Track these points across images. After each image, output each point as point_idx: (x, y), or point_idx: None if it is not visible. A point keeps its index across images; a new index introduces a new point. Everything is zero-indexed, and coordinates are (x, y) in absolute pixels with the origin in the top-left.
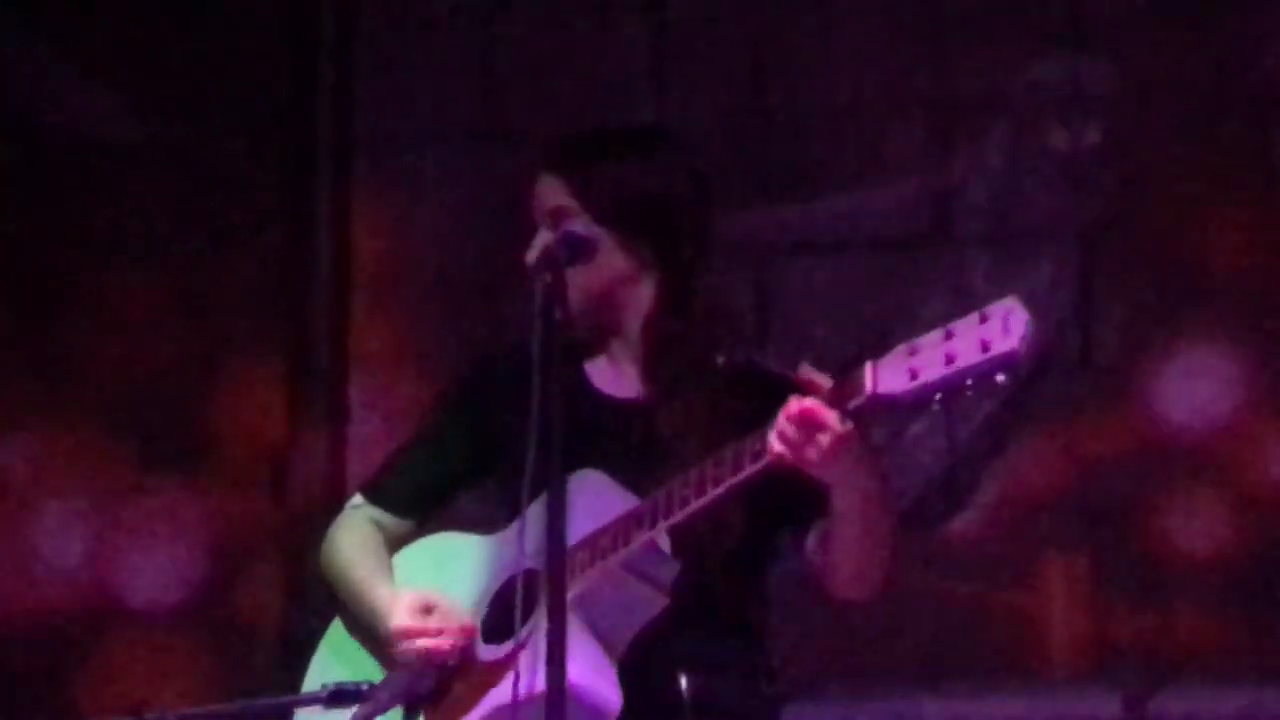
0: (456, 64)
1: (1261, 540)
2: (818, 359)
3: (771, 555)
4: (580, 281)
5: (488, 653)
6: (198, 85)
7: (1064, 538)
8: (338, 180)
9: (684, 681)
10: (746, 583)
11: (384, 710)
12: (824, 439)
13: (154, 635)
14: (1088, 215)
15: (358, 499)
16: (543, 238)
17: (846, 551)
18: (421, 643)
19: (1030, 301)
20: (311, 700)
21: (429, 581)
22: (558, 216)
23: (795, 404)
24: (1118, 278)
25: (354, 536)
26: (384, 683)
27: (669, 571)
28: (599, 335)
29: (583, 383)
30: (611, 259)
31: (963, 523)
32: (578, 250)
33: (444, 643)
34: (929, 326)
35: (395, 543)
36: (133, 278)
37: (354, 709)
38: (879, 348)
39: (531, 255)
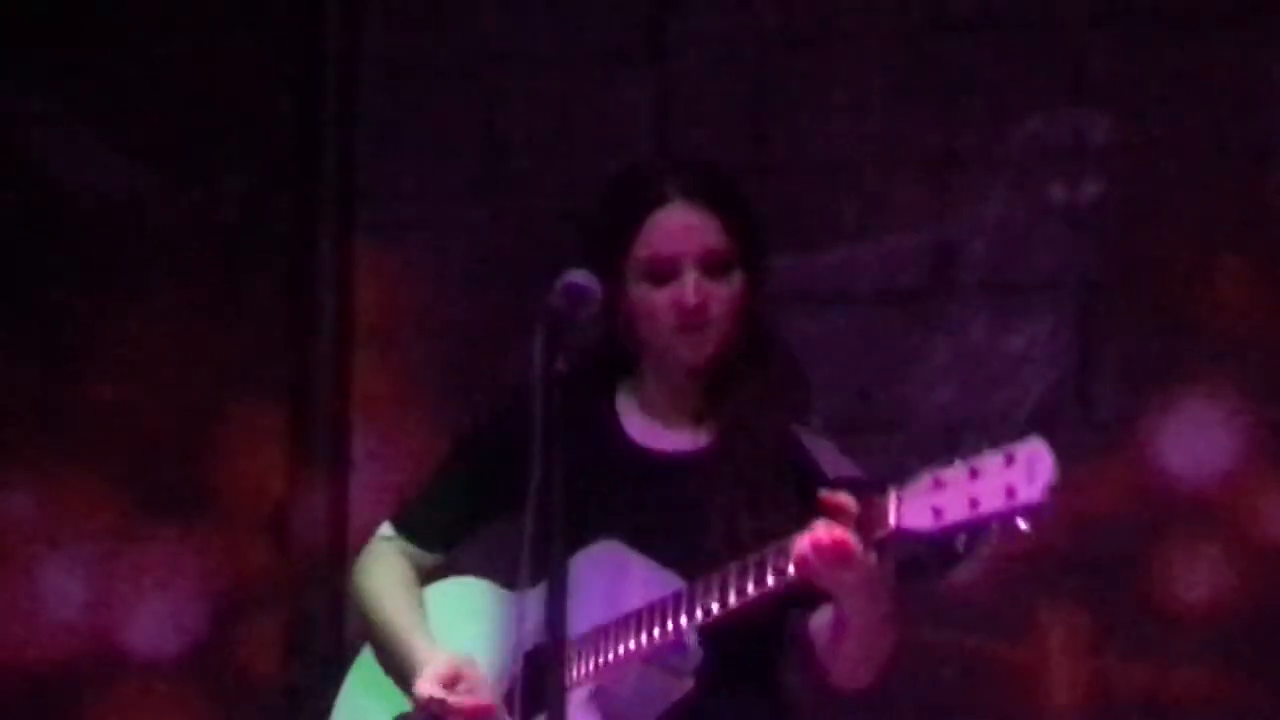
0: (459, 115)
1: (1263, 593)
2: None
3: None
4: (727, 327)
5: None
6: (202, 140)
7: (1063, 591)
8: (340, 231)
9: None
10: (769, 650)
11: None
12: (847, 574)
13: (155, 684)
14: (1088, 266)
15: (387, 529)
16: (692, 278)
17: (845, 653)
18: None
19: (1031, 351)
20: None
21: (460, 634)
22: (715, 260)
23: (825, 534)
24: (1118, 329)
25: (389, 573)
26: None
27: (692, 661)
28: (656, 378)
29: (617, 427)
30: (742, 294)
31: (961, 576)
32: (578, 304)
33: (469, 713)
34: (931, 380)
35: (424, 575)
36: (134, 327)
37: None
38: (901, 477)
39: (691, 295)
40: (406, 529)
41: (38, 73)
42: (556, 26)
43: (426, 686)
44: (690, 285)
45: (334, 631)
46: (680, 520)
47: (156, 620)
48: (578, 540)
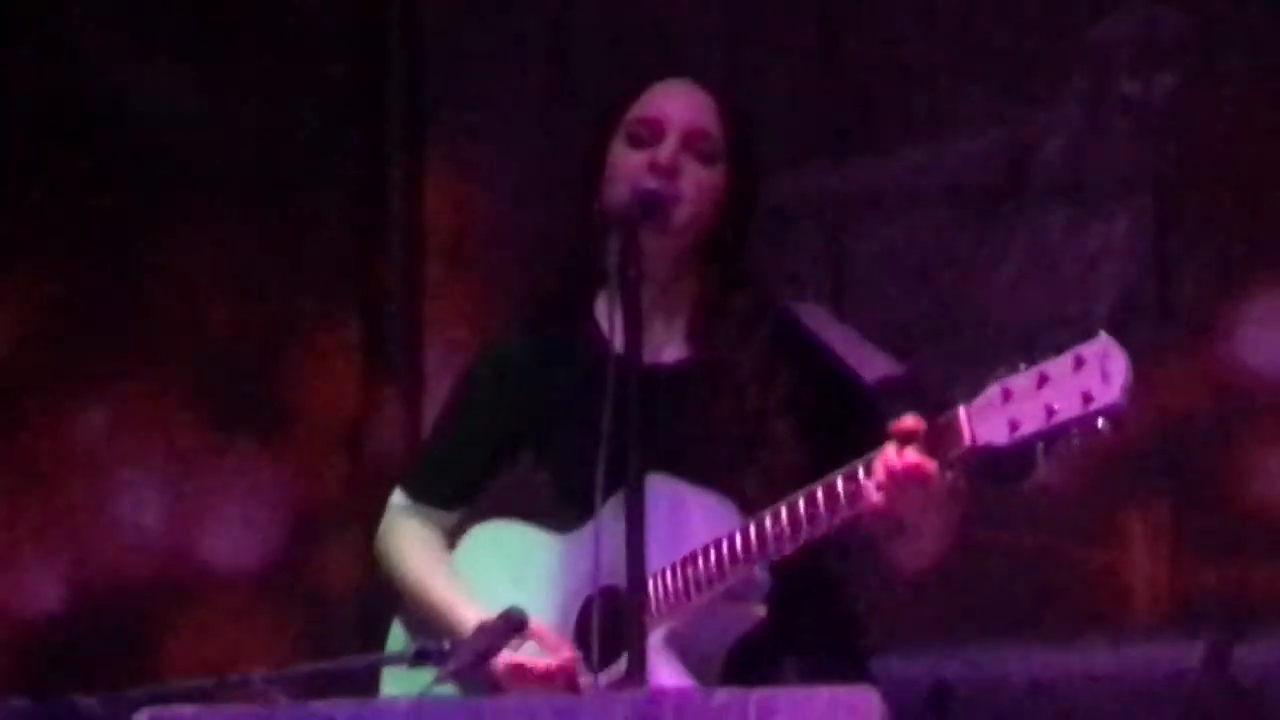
0: (525, 30)
1: None
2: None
3: None
4: (699, 208)
5: (586, 680)
6: (273, 63)
7: (1145, 490)
8: (409, 149)
9: (787, 657)
10: (830, 563)
11: (466, 667)
12: (924, 494)
13: (234, 599)
14: (1164, 165)
15: (400, 498)
16: (675, 148)
17: (909, 553)
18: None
19: (1108, 251)
20: (394, 660)
21: (507, 587)
22: (703, 143)
23: (898, 459)
24: (1195, 227)
25: (414, 545)
26: (465, 642)
27: (763, 588)
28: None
29: (601, 344)
30: (719, 201)
31: (1039, 479)
32: (651, 213)
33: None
34: (1006, 282)
35: (448, 534)
36: (208, 247)
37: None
38: (966, 393)
39: (664, 155)
40: (420, 493)
41: (114, 6)
42: None
43: (502, 655)
44: (667, 149)
45: None
46: (686, 435)
47: (234, 536)
48: (584, 470)
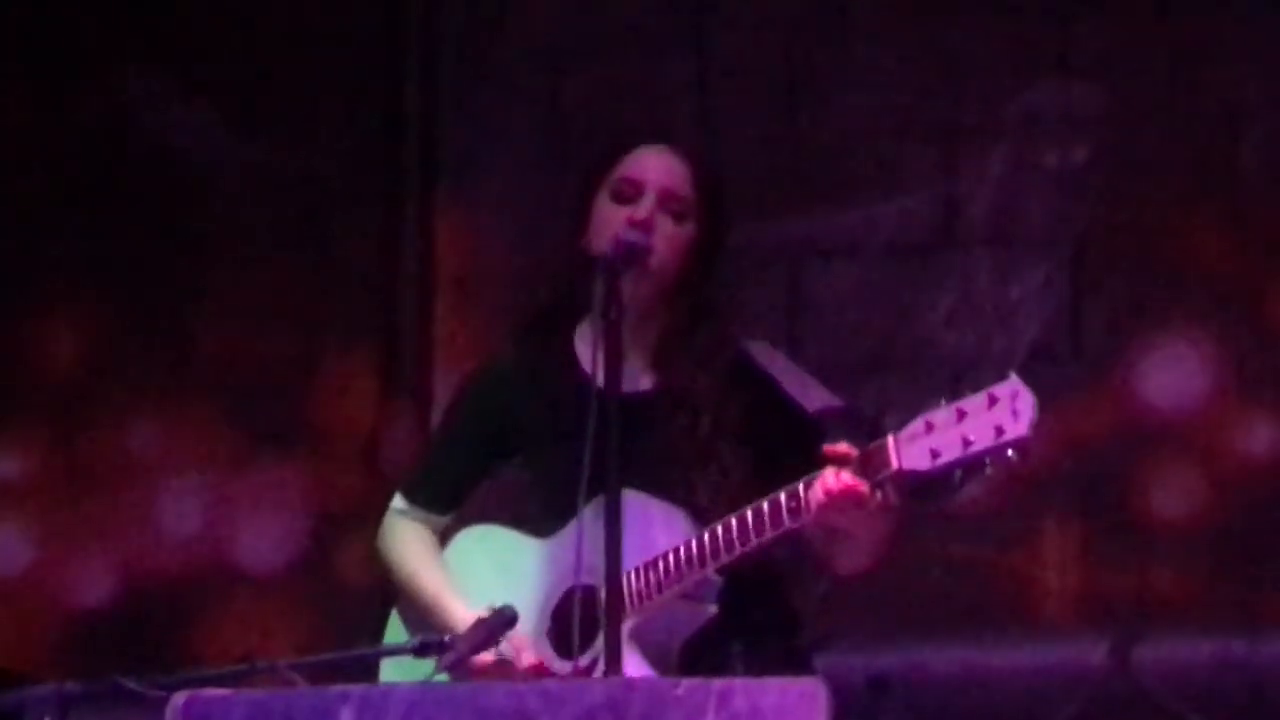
0: (525, 96)
1: (1231, 506)
2: (839, 352)
3: None
4: (665, 261)
5: (560, 666)
6: (304, 117)
7: (1059, 507)
8: (423, 195)
9: (735, 648)
10: (778, 567)
11: (465, 659)
12: (857, 511)
13: (264, 594)
14: (1078, 223)
15: (400, 502)
16: (652, 207)
17: (848, 558)
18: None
19: (1028, 298)
20: (401, 650)
21: (492, 583)
22: (676, 204)
23: (835, 480)
24: (1105, 278)
25: (411, 545)
26: (464, 634)
27: (714, 589)
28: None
29: (576, 371)
30: (687, 259)
31: (963, 498)
32: (630, 261)
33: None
34: (938, 324)
35: (440, 535)
36: (245, 281)
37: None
38: (897, 422)
39: (644, 213)
40: (418, 498)
41: (155, 57)
42: (611, 15)
43: (483, 655)
44: (645, 205)
45: None
46: (651, 454)
47: (264, 539)
48: (565, 486)
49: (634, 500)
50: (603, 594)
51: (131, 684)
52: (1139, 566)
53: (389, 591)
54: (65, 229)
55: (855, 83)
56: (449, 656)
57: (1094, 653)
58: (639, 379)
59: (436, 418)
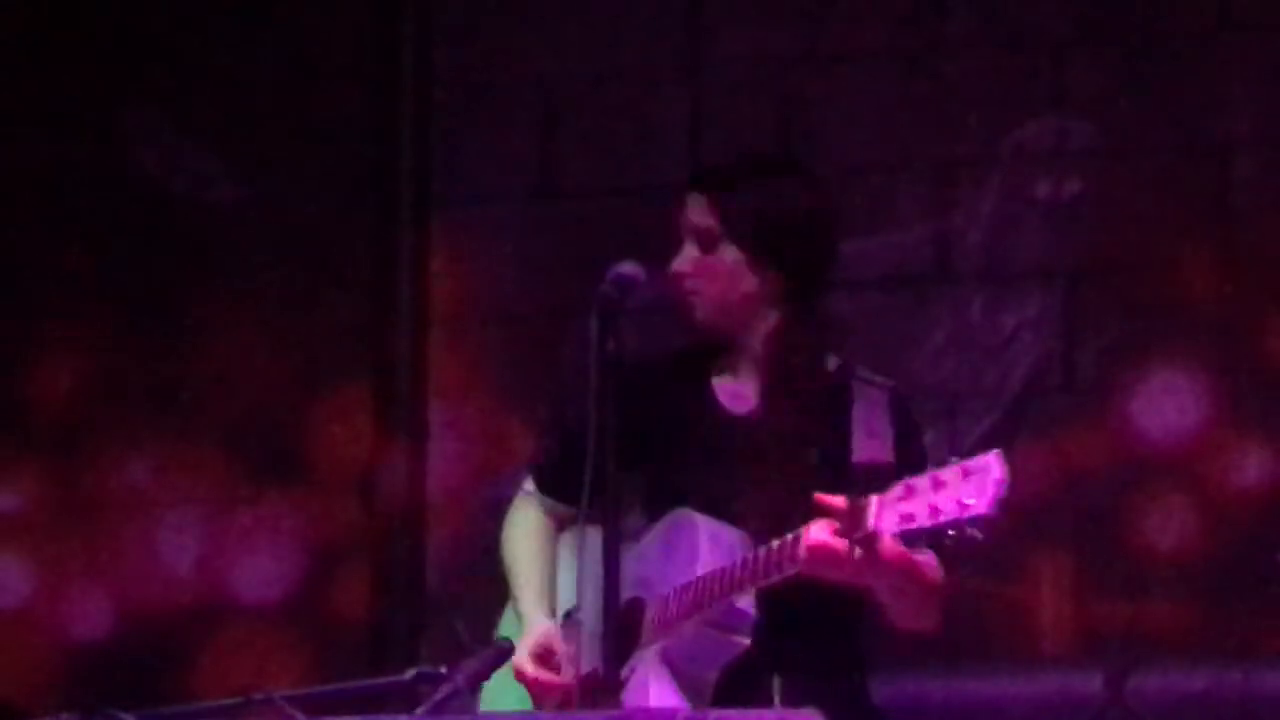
0: (519, 130)
1: (1224, 538)
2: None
3: None
4: (712, 293)
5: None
6: (298, 152)
7: (1052, 537)
8: (417, 231)
9: (776, 683)
10: (828, 609)
11: (462, 691)
12: (838, 570)
13: (259, 628)
14: (1072, 256)
15: (530, 485)
16: (687, 252)
17: (885, 609)
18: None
19: (1021, 330)
20: (397, 685)
21: (572, 580)
22: (703, 236)
23: (816, 537)
24: (1097, 310)
25: (524, 530)
26: (461, 666)
27: (747, 622)
28: (727, 350)
29: (709, 396)
30: (742, 278)
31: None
32: (626, 290)
33: (547, 689)
34: (933, 356)
35: (562, 522)
36: (241, 317)
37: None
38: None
39: (678, 265)
40: (545, 486)
41: (151, 95)
42: (605, 50)
43: (520, 656)
44: (681, 256)
45: (414, 579)
46: (738, 479)
47: (259, 572)
48: (669, 501)
49: (688, 520)
50: (650, 610)
51: (128, 717)
52: (1134, 597)
53: (382, 625)
54: (63, 264)
55: (848, 116)
56: (444, 689)
57: (1089, 684)
58: (747, 400)
59: (431, 452)
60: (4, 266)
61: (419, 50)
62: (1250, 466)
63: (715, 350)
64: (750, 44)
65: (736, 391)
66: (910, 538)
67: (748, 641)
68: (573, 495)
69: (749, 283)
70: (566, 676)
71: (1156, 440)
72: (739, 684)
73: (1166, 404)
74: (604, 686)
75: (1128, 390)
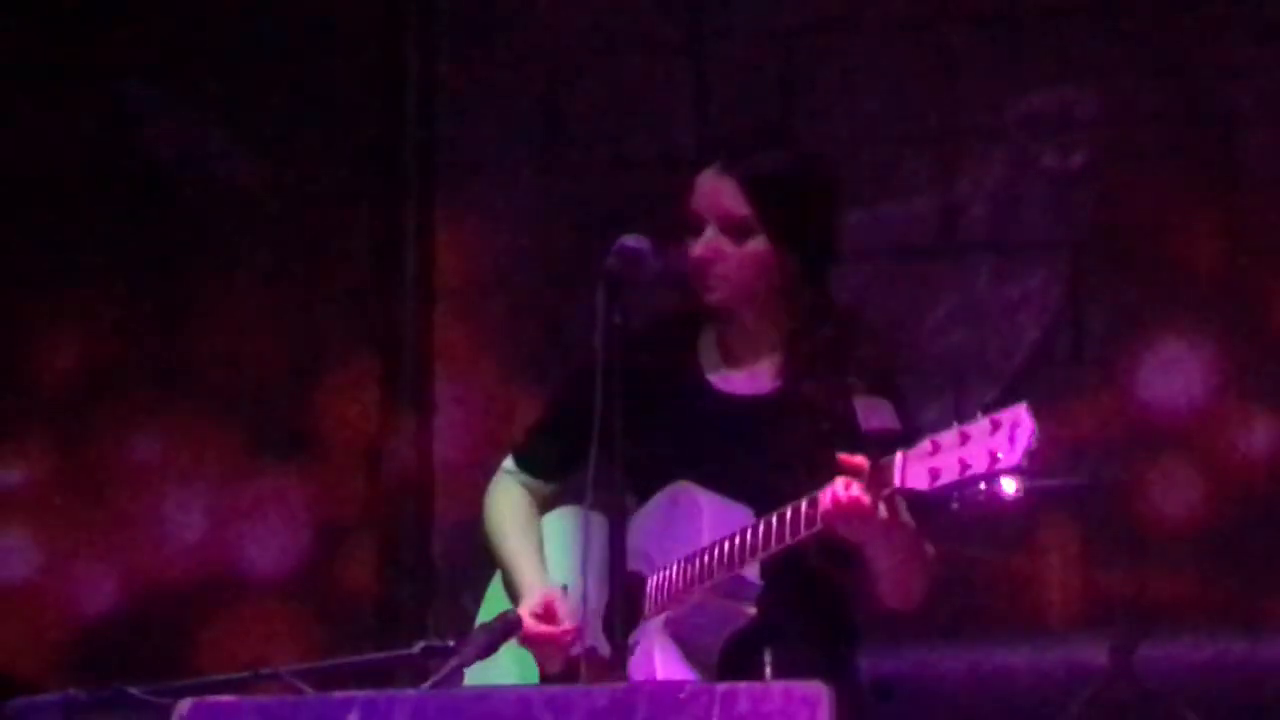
0: (523, 105)
1: (1231, 509)
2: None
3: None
4: (739, 280)
5: (605, 648)
6: (304, 128)
7: (1059, 509)
8: (422, 205)
9: (766, 654)
10: (829, 577)
11: (470, 663)
12: (863, 526)
13: (265, 602)
14: (1077, 226)
15: (510, 463)
16: (712, 237)
17: (880, 580)
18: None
19: (1027, 301)
20: (405, 659)
21: (567, 559)
22: (735, 224)
23: (842, 492)
24: (1103, 281)
25: (510, 504)
26: (468, 639)
27: (754, 590)
28: (730, 325)
29: (700, 372)
30: (769, 266)
31: (960, 518)
32: (631, 264)
33: (553, 644)
34: (939, 326)
35: (543, 502)
36: (247, 291)
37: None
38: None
39: (697, 250)
40: (526, 462)
41: (154, 70)
42: (609, 21)
43: (523, 615)
44: (703, 242)
45: (422, 553)
46: (749, 457)
47: (267, 545)
48: (661, 479)
49: (685, 493)
50: (650, 583)
51: (136, 691)
52: (1140, 568)
53: (388, 598)
54: (67, 239)
55: (854, 87)
56: (452, 663)
57: (1096, 654)
58: (762, 382)
59: (437, 425)
60: (8, 242)
61: (423, 23)
62: (1257, 436)
63: (701, 319)
64: (754, 14)
65: (731, 372)
66: (939, 495)
67: (754, 610)
68: (552, 473)
69: (773, 270)
70: (569, 625)
71: (1163, 410)
72: (736, 653)
73: (1173, 374)
74: (608, 661)
75: (1134, 360)
